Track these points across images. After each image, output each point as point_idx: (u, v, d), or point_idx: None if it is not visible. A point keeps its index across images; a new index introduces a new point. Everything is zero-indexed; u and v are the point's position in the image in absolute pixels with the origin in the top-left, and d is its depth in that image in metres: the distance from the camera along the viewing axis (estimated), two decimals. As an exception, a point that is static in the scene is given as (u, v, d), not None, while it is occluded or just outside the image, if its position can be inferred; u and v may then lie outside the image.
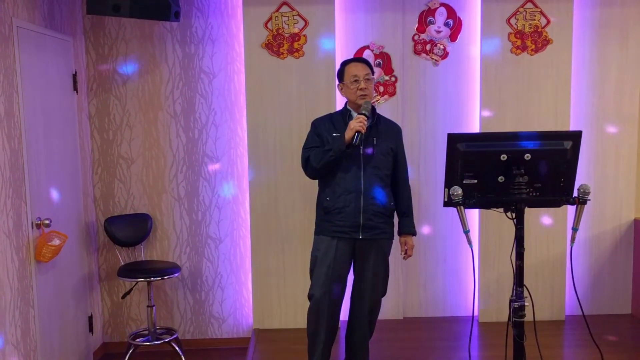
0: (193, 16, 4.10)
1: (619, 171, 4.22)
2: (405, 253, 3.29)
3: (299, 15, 3.98)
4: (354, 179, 3.10)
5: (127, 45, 4.10)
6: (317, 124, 3.25)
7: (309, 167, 3.16)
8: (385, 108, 4.09)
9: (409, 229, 3.27)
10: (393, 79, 4.09)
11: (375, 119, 3.19)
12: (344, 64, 3.23)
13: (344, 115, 3.21)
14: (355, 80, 3.12)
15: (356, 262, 3.20)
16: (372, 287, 3.19)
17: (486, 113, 4.08)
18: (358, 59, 3.28)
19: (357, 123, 2.99)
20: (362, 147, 3.08)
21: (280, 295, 4.13)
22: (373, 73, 3.22)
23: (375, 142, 3.14)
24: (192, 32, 4.11)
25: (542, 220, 4.11)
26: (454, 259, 4.26)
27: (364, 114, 3.04)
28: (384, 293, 3.26)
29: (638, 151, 4.22)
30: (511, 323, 2.49)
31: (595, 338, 2.62)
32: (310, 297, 3.18)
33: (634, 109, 4.18)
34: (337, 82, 3.29)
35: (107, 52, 4.10)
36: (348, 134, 3.01)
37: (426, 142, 4.17)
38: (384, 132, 3.20)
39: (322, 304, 3.13)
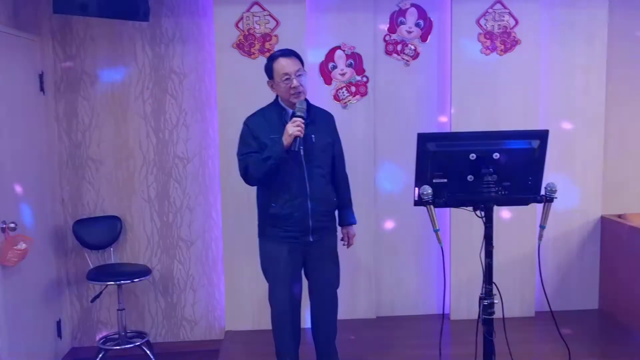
0: (163, 16, 4.05)
1: (586, 169, 4.30)
2: (348, 242, 3.28)
3: (270, 15, 3.96)
4: (299, 182, 2.98)
5: (95, 45, 4.03)
6: (251, 125, 3.05)
7: (249, 176, 3.00)
8: (357, 108, 4.10)
9: (350, 220, 3.25)
10: (365, 79, 4.10)
11: (311, 114, 3.02)
12: (272, 59, 3.02)
13: (278, 113, 3.04)
14: (287, 79, 2.96)
15: (308, 263, 3.13)
16: (330, 284, 3.18)
17: (456, 113, 4.12)
18: (286, 52, 3.04)
19: (295, 127, 2.83)
20: (302, 148, 2.93)
21: (253, 296, 4.11)
22: (303, 65, 3.05)
23: (314, 140, 3.01)
24: (162, 31, 4.06)
25: (511, 218, 4.16)
26: (426, 258, 4.29)
27: (300, 116, 2.89)
28: (338, 285, 3.24)
29: (604, 149, 4.31)
30: (481, 320, 2.52)
31: (563, 333, 2.66)
32: (270, 304, 3.16)
33: (600, 108, 4.27)
34: (267, 79, 3.07)
35: (75, 52, 4.03)
36: (287, 140, 2.85)
37: (398, 141, 4.19)
38: (321, 125, 3.07)
39: (283, 310, 3.11)
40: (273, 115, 3.05)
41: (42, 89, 3.84)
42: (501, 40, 4.09)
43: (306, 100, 3.04)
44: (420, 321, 4.21)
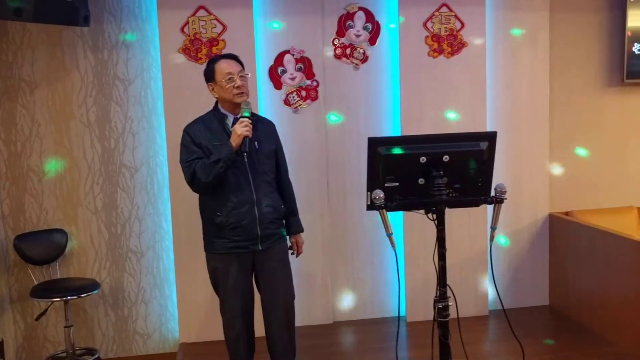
0: (105, 21, 3.92)
1: (533, 169, 4.40)
2: (297, 251, 3.22)
3: (216, 19, 3.89)
4: (245, 190, 2.92)
5: (33, 51, 3.87)
6: (192, 132, 2.95)
7: (197, 182, 2.87)
8: (308, 112, 4.08)
9: (298, 228, 3.20)
10: (315, 83, 4.08)
11: (253, 120, 2.93)
12: (213, 62, 2.98)
13: (220, 120, 2.97)
14: (230, 79, 2.90)
15: (259, 272, 3.05)
16: (283, 293, 3.08)
17: (405, 116, 4.14)
18: (227, 55, 3.03)
19: (243, 127, 2.78)
20: (245, 154, 2.86)
21: (206, 307, 4.01)
22: (244, 69, 3.00)
23: (257, 146, 2.96)
24: (104, 37, 3.93)
25: (462, 219, 4.21)
26: (381, 262, 4.29)
27: (247, 117, 2.83)
28: (294, 295, 3.15)
29: (549, 149, 4.41)
30: (436, 323, 2.52)
31: (516, 330, 2.69)
32: (222, 316, 3.08)
33: (544, 108, 4.37)
34: (206, 83, 3.00)
35: (12, 58, 3.85)
36: (235, 141, 2.78)
37: (350, 146, 4.19)
38: (263, 132, 3.04)
39: (235, 322, 3.04)
40: (214, 122, 2.98)
41: (-23, 99, 3.66)
42: (448, 42, 4.14)
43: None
44: (378, 325, 4.20)
